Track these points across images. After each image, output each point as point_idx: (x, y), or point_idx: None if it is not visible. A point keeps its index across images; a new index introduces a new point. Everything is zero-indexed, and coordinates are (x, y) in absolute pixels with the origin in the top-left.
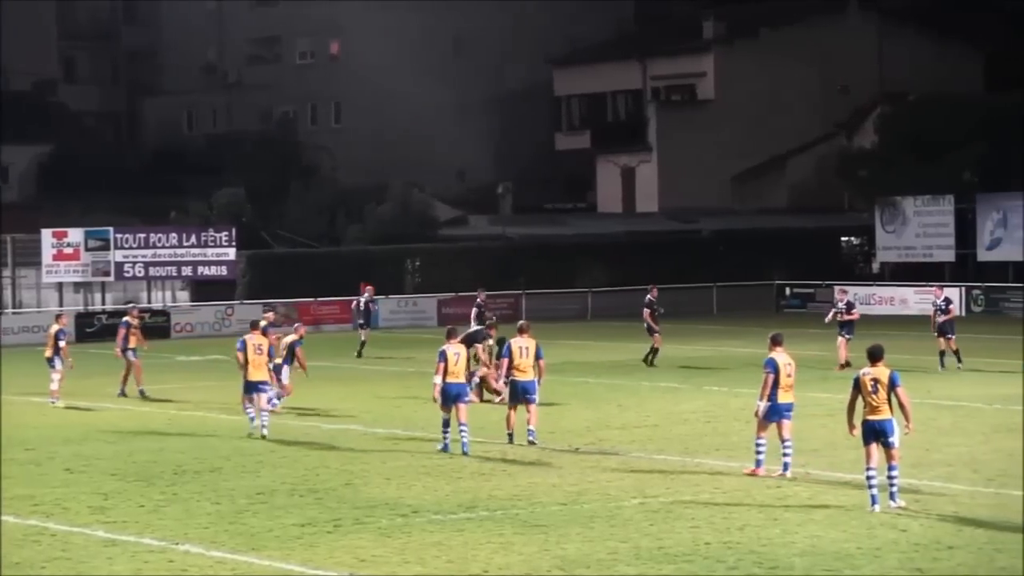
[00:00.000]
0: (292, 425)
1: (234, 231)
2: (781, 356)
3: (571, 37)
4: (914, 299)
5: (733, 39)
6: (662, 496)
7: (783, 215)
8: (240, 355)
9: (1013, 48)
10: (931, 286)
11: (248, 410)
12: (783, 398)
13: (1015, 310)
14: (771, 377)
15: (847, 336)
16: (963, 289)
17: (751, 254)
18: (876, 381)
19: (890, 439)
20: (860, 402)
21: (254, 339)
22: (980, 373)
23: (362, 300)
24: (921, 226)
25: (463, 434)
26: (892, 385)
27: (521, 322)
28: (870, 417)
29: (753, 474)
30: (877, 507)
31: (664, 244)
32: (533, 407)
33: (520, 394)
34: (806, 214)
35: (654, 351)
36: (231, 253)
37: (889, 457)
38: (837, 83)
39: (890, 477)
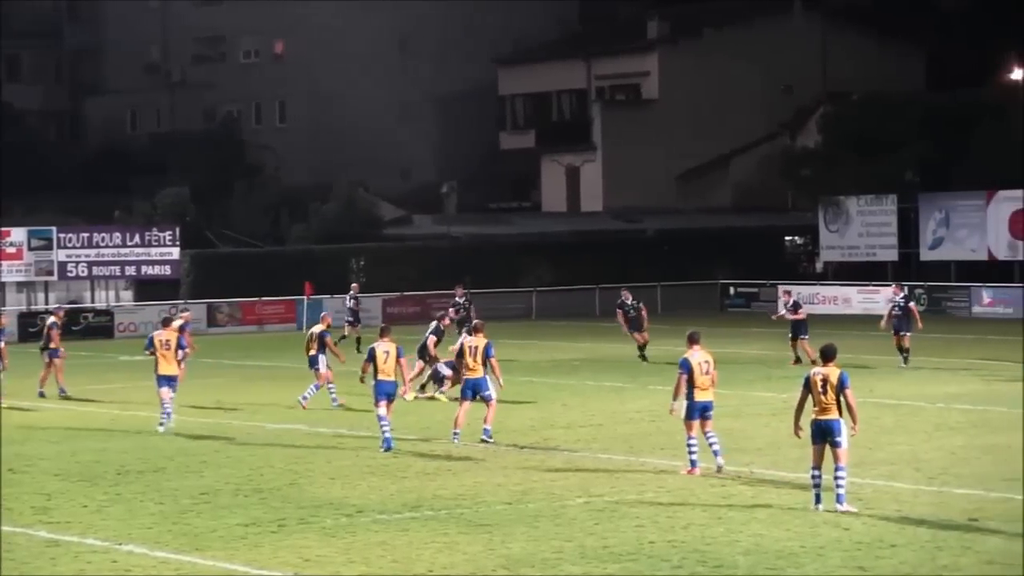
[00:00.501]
0: (236, 425)
1: (178, 230)
2: (696, 355)
3: (516, 37)
4: (857, 298)
5: (677, 39)
6: (607, 495)
7: (727, 214)
8: (148, 352)
9: (954, 47)
10: (873, 285)
11: (166, 407)
12: (700, 396)
13: (957, 309)
14: (684, 377)
15: (803, 336)
16: (905, 288)
17: (695, 253)
18: (826, 381)
19: (838, 439)
20: (810, 402)
21: (162, 335)
22: (922, 372)
23: (347, 298)
24: (864, 225)
25: (384, 429)
26: (841, 386)
27: (476, 321)
28: (818, 417)
29: (691, 474)
30: (821, 506)
31: (608, 243)
32: (492, 404)
33: (471, 391)
34: (750, 213)
35: (640, 347)
36: (175, 252)
37: (836, 458)
38: (780, 83)
39: (837, 478)
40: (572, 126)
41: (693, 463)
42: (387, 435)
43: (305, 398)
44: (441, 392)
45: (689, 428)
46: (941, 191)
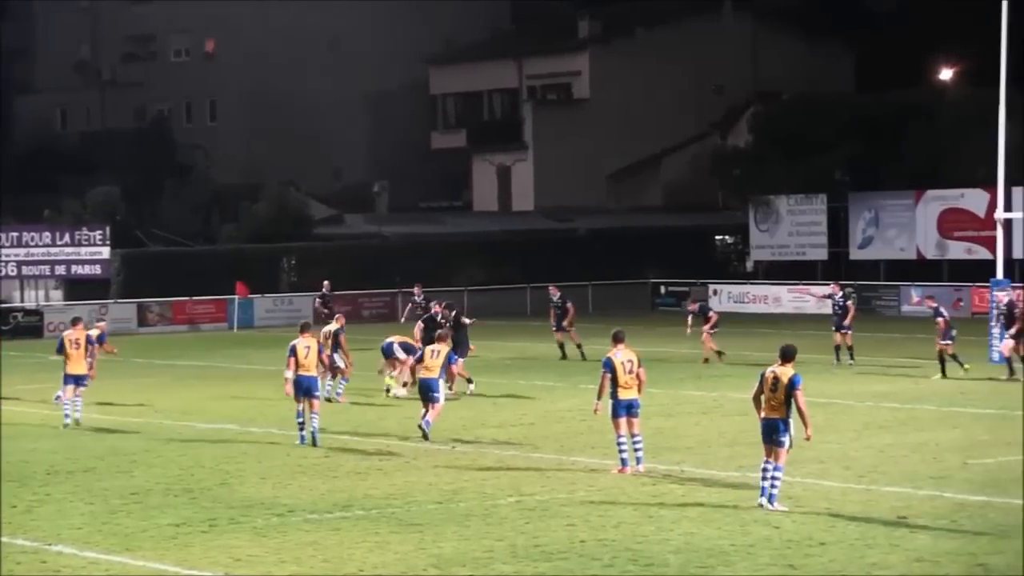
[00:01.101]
0: (167, 425)
1: (108, 230)
2: (620, 354)
3: (447, 36)
4: (787, 297)
5: (608, 38)
6: (538, 494)
7: (658, 214)
8: (59, 355)
9: (883, 48)
10: (804, 284)
11: (65, 403)
12: (624, 395)
13: (886, 308)
14: (607, 376)
15: (711, 331)
16: (842, 288)
17: (626, 253)
18: (777, 379)
19: (780, 439)
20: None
21: (72, 334)
22: (851, 370)
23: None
24: (794, 225)
25: (313, 422)
26: (791, 387)
27: (441, 331)
28: (767, 415)
29: (621, 472)
30: (764, 500)
31: (540, 243)
32: (437, 406)
33: (423, 391)
34: (681, 213)
35: (561, 347)
36: (105, 252)
37: (776, 457)
38: (711, 83)
39: (773, 477)
40: (503, 125)
41: (623, 462)
42: (302, 432)
43: (339, 394)
44: (392, 375)
45: (617, 427)
46: (871, 191)
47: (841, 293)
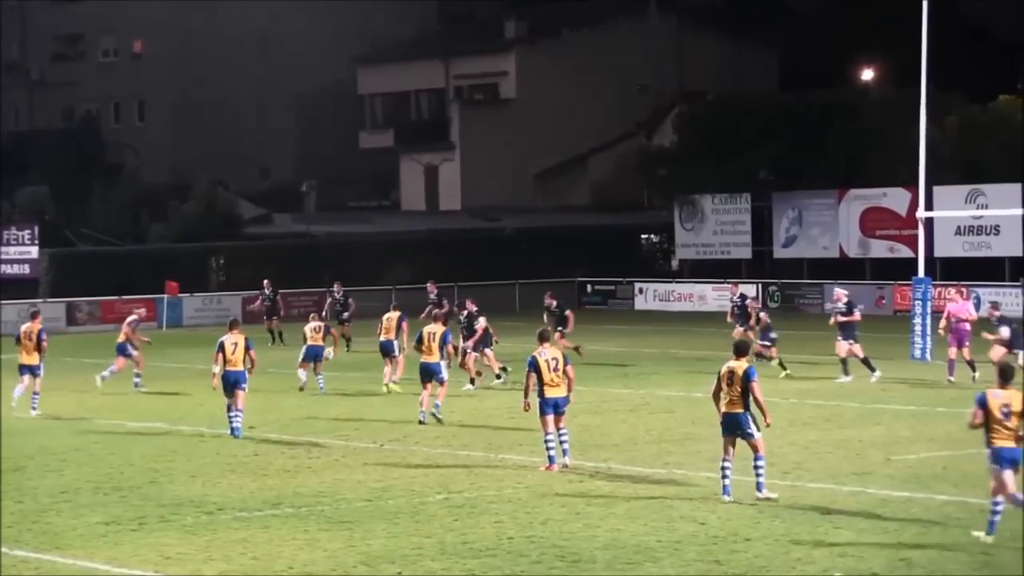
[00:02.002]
0: (96, 424)
1: (36, 229)
2: (544, 353)
3: (374, 36)
4: (712, 295)
5: (535, 39)
6: (466, 491)
7: (585, 213)
8: (16, 344)
9: (806, 48)
10: (729, 283)
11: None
12: (550, 393)
13: (810, 306)
14: (532, 375)
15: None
16: (759, 285)
17: (553, 251)
18: (733, 374)
19: (748, 431)
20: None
21: (26, 327)
22: (774, 368)
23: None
24: (719, 224)
25: (236, 419)
26: (746, 379)
27: (436, 311)
28: (727, 410)
29: (548, 470)
30: (729, 497)
31: (467, 241)
32: (443, 388)
33: (424, 374)
34: (607, 212)
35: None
36: (33, 251)
37: (754, 448)
38: (637, 83)
39: (756, 467)
40: (431, 125)
41: (551, 459)
42: (234, 424)
43: (394, 382)
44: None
45: (544, 425)
46: (794, 190)
47: (739, 293)
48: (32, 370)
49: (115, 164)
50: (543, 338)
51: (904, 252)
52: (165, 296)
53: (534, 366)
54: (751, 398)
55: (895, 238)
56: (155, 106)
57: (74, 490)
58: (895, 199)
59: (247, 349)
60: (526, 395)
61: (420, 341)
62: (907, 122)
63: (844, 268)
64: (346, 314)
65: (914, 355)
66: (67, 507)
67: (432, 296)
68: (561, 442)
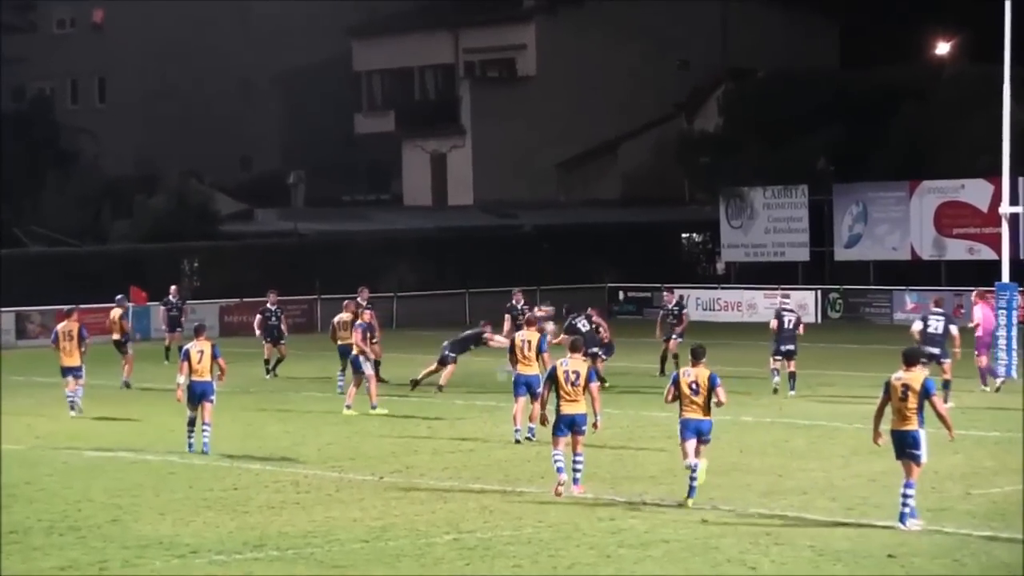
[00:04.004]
0: (50, 453)
1: None
2: (566, 363)
3: (372, 4)
4: (763, 304)
5: (556, 7)
6: (479, 531)
7: (615, 208)
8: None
9: (870, 18)
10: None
11: (68, 394)
12: (567, 409)
13: (877, 315)
14: (548, 385)
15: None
16: (818, 292)
17: (579, 253)
18: (907, 387)
19: (919, 452)
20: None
21: (66, 327)
22: (836, 388)
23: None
24: (771, 221)
25: (205, 433)
26: (925, 393)
27: (529, 315)
28: (899, 427)
29: (560, 486)
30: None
31: (479, 241)
32: (536, 402)
33: (524, 386)
34: (641, 207)
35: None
36: None
37: (910, 471)
38: (675, 58)
39: (905, 495)
40: (438, 107)
41: (559, 470)
42: (190, 439)
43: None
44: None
45: (555, 443)
46: (858, 181)
47: (675, 300)
48: (72, 372)
49: (71, 152)
50: (573, 348)
51: (986, 253)
52: (130, 305)
53: (551, 376)
54: (923, 414)
55: (975, 237)
56: (118, 85)
57: (24, 530)
58: (975, 192)
59: (214, 357)
60: (542, 407)
61: (513, 351)
62: (988, 103)
63: (916, 271)
64: (283, 327)
65: (998, 373)
66: (16, 550)
67: (519, 306)
68: (574, 468)
